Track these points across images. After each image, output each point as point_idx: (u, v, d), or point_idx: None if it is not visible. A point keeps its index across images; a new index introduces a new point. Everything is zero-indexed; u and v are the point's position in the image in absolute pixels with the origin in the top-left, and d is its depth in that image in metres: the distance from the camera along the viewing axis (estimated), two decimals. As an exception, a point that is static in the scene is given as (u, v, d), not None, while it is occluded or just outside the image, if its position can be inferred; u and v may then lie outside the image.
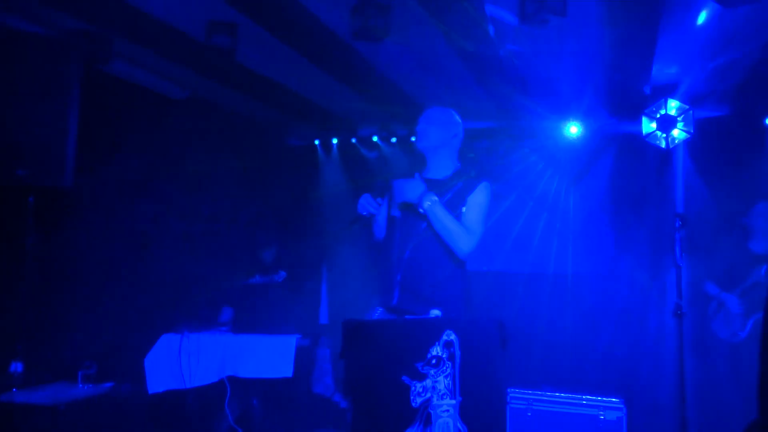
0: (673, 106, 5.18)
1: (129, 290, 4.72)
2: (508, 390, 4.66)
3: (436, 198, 2.94)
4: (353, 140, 6.94)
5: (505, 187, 6.33)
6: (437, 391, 2.53)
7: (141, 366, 4.26)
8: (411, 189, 3.00)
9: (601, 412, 4.59)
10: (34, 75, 3.47)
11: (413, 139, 3.08)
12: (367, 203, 3.01)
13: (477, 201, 3.05)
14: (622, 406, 4.59)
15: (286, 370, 4.27)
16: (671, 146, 5.26)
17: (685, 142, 5.25)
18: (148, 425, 4.25)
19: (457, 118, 3.27)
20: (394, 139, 6.72)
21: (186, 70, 5.04)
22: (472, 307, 3.12)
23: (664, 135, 5.23)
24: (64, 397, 3.59)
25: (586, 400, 4.64)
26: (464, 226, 2.97)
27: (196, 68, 5.02)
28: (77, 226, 4.40)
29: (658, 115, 5.23)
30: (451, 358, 2.54)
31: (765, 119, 5.42)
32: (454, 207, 3.01)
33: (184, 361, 4.25)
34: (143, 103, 5.15)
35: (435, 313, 2.93)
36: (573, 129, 6.01)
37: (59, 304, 4.27)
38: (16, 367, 3.63)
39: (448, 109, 3.28)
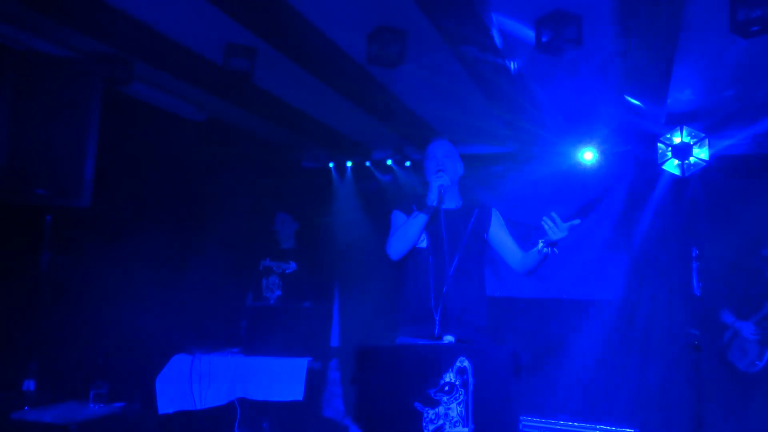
0: (688, 133, 5.16)
1: (142, 310, 4.73)
2: (521, 418, 4.61)
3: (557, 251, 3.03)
4: (367, 164, 6.96)
5: (519, 212, 6.31)
6: (450, 419, 2.50)
7: (152, 386, 4.26)
8: (557, 232, 2.94)
9: (616, 443, 4.52)
10: (54, 95, 3.53)
11: (439, 174, 3.05)
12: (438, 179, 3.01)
13: (504, 228, 3.27)
14: (637, 436, 4.53)
15: (296, 394, 4.25)
16: (687, 174, 5.24)
17: (702, 169, 5.23)
18: (157, 446, 4.24)
19: None
20: (408, 163, 6.74)
21: (204, 92, 5.10)
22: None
23: (680, 162, 5.21)
24: (76, 417, 3.58)
25: (601, 429, 4.58)
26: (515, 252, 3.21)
27: (214, 91, 5.07)
28: (93, 245, 4.43)
29: (674, 143, 5.22)
30: (464, 385, 2.52)
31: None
32: (477, 234, 3.16)
33: (195, 382, 4.25)
34: (161, 125, 5.21)
35: (448, 339, 2.91)
36: (588, 155, 6.00)
37: (72, 323, 4.29)
38: (29, 385, 3.64)
39: (449, 141, 3.35)
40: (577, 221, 2.92)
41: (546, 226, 2.91)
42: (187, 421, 4.28)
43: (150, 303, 4.85)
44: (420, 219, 3.02)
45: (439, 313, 2.94)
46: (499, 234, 3.22)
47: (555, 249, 2.99)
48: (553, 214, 2.90)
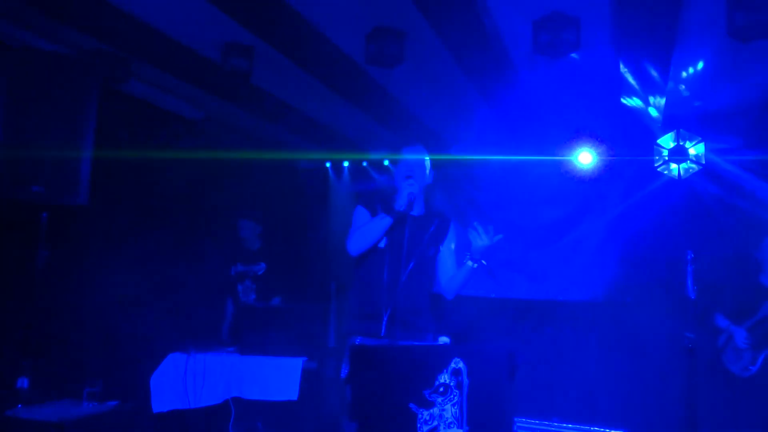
0: (684, 136, 5.17)
1: (137, 309, 4.72)
2: (515, 419, 4.60)
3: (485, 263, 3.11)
4: (364, 164, 6.96)
5: (516, 214, 6.32)
6: (444, 420, 2.50)
7: (146, 385, 4.24)
8: (481, 240, 3.04)
9: (609, 445, 4.52)
10: (52, 93, 3.52)
11: (410, 181, 3.12)
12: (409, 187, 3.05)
13: (453, 247, 3.30)
14: (630, 438, 4.53)
15: (291, 393, 4.24)
16: (683, 177, 5.25)
17: (697, 172, 5.24)
18: (151, 445, 4.22)
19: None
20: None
21: (201, 91, 5.10)
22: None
23: (676, 165, 5.22)
24: (69, 415, 3.56)
25: (594, 431, 4.58)
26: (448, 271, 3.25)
27: (212, 89, 5.07)
28: (89, 243, 4.42)
29: (670, 146, 5.22)
30: (459, 386, 2.52)
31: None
32: (434, 243, 3.23)
33: (189, 381, 4.23)
34: (158, 123, 5.21)
35: (443, 340, 2.92)
36: (584, 157, 6.01)
37: (67, 321, 4.28)
38: (23, 383, 3.63)
39: (423, 148, 3.39)
40: (500, 236, 3.06)
41: (471, 235, 3.04)
42: (181, 420, 4.26)
43: (145, 301, 4.84)
44: (385, 222, 3.08)
45: (387, 313, 2.96)
46: (446, 249, 3.28)
47: (483, 261, 3.09)
48: (490, 227, 3.05)
